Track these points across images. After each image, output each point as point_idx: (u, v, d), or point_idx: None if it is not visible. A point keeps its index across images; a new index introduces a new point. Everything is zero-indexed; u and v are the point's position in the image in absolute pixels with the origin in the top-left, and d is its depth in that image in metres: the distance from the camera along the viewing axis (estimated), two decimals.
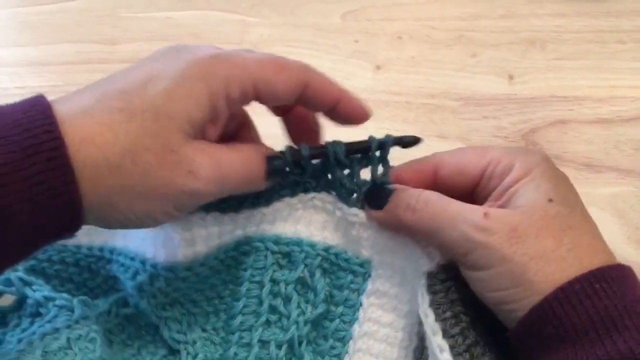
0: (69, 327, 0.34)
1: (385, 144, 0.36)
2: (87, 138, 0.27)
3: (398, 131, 0.56)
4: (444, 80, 0.58)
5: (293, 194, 0.37)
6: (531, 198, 0.31)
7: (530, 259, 0.30)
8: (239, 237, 0.38)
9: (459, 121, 0.55)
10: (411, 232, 0.34)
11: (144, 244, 0.37)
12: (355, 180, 0.36)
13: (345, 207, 0.37)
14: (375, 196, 0.35)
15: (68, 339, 0.33)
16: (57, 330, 0.34)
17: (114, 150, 0.28)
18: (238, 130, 0.36)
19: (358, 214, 0.36)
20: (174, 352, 0.37)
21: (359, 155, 0.36)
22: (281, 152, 0.36)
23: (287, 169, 0.36)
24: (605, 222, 0.49)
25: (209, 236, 0.36)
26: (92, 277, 0.40)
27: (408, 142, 0.37)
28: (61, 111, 0.28)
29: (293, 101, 0.34)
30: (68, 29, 0.66)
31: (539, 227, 0.30)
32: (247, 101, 0.33)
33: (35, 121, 0.26)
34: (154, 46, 0.67)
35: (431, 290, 0.33)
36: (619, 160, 0.52)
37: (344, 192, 0.37)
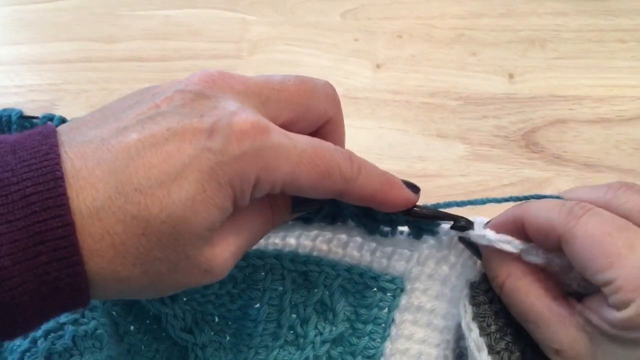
0: (75, 321, 0.32)
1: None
2: (95, 250, 0.24)
3: (398, 130, 0.57)
4: (444, 79, 0.58)
5: (306, 221, 0.36)
6: None
7: None
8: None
9: (459, 120, 0.55)
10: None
11: None
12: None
13: (366, 234, 0.36)
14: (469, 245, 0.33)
15: (73, 337, 0.32)
16: (62, 326, 0.32)
17: (124, 262, 0.25)
18: None
19: (379, 239, 0.35)
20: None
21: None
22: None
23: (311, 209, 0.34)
24: None
25: None
26: None
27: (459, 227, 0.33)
28: (73, 204, 0.24)
29: None
30: (66, 27, 0.66)
31: None
32: (275, 192, 0.29)
33: (46, 200, 0.24)
34: (152, 45, 0.67)
35: (474, 301, 0.31)
36: (619, 160, 0.52)
37: (372, 226, 0.35)
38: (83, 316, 0.33)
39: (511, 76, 0.58)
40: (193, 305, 0.36)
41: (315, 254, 0.37)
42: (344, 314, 0.36)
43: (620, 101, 0.55)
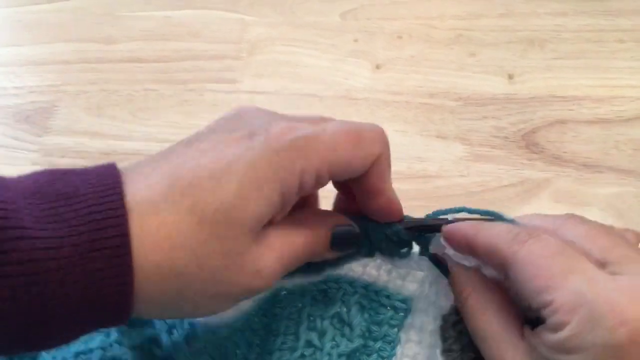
0: (103, 348, 0.34)
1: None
2: (153, 243, 0.26)
3: (398, 131, 0.57)
4: (443, 79, 0.58)
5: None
6: None
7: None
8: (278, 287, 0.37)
9: (459, 121, 0.55)
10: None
11: None
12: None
13: (389, 260, 0.36)
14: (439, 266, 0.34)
15: (101, 359, 0.33)
16: (91, 350, 0.33)
17: (180, 255, 0.26)
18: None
19: (395, 261, 0.36)
20: None
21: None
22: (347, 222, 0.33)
23: (353, 237, 0.34)
24: (604, 222, 0.49)
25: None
26: None
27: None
28: (131, 199, 0.26)
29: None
30: (66, 28, 0.66)
31: None
32: (321, 186, 0.30)
33: (107, 211, 0.25)
34: (152, 45, 0.67)
35: (443, 335, 0.31)
36: (619, 160, 0.52)
37: (387, 251, 0.36)
38: (111, 346, 0.34)
39: (511, 77, 0.58)
40: (220, 339, 0.37)
41: (335, 272, 0.37)
42: (360, 329, 0.37)
43: (620, 101, 0.55)
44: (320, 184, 0.30)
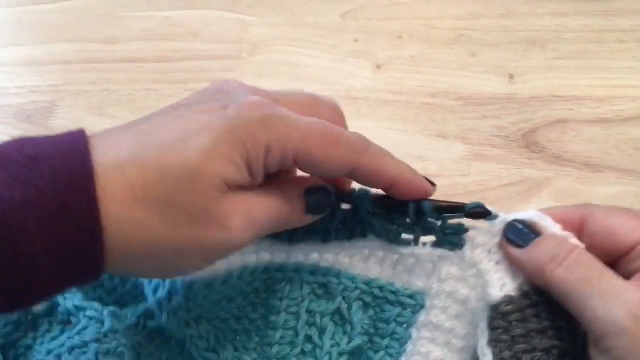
0: (97, 340, 0.34)
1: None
2: (117, 198, 0.26)
3: (398, 130, 0.57)
4: (444, 79, 0.58)
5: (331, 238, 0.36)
6: None
7: None
8: (267, 261, 0.37)
9: (459, 121, 0.55)
10: (549, 287, 0.30)
11: None
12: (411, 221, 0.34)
13: (388, 246, 0.35)
14: (517, 232, 0.32)
15: (96, 353, 0.33)
16: (85, 344, 0.34)
17: (143, 208, 0.27)
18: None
19: (415, 250, 0.35)
20: None
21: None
22: (324, 186, 0.33)
23: (327, 203, 0.33)
24: None
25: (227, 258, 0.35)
26: (122, 282, 0.39)
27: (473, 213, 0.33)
28: (98, 162, 0.27)
29: (337, 177, 0.32)
30: (67, 28, 0.66)
31: None
32: (285, 167, 0.31)
33: (73, 175, 0.26)
34: (152, 46, 0.67)
35: (491, 325, 0.30)
36: (619, 160, 0.52)
37: (392, 235, 0.35)
38: (106, 336, 0.34)
39: (511, 77, 0.58)
40: (216, 324, 0.37)
41: (336, 266, 0.37)
42: (362, 327, 0.36)
43: (621, 101, 0.55)
44: (285, 165, 0.30)
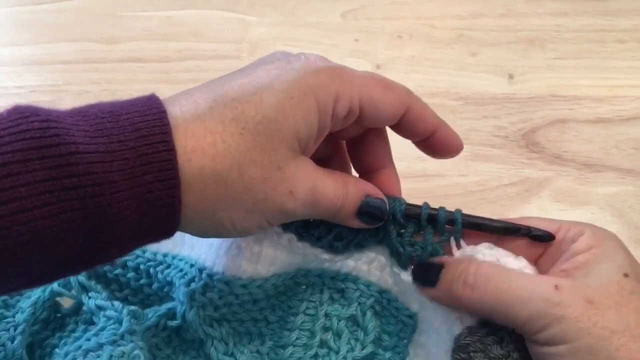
0: (113, 342, 0.34)
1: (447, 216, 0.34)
2: (198, 148, 0.27)
3: None
4: (443, 79, 0.58)
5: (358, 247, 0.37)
6: (605, 270, 0.29)
7: (612, 333, 0.28)
8: (298, 267, 0.37)
9: (459, 120, 0.55)
10: (472, 310, 0.32)
11: (209, 252, 0.36)
12: (403, 241, 0.34)
13: (394, 263, 0.36)
14: (425, 271, 0.33)
15: (110, 357, 0.33)
16: (101, 346, 0.34)
17: (223, 161, 0.28)
18: (330, 159, 0.36)
19: (402, 275, 0.35)
20: None
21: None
22: (388, 197, 0.34)
23: (381, 215, 0.33)
24: (605, 221, 0.49)
25: (274, 260, 0.36)
26: (148, 282, 0.39)
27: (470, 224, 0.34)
28: (175, 116, 0.28)
29: (392, 123, 0.33)
30: (67, 27, 0.66)
31: (617, 302, 0.28)
32: (351, 119, 0.32)
33: (152, 127, 0.27)
34: (153, 45, 0.67)
35: (453, 357, 0.31)
36: (619, 160, 0.52)
37: (394, 252, 0.35)
38: (122, 338, 0.34)
39: (511, 76, 0.58)
40: (235, 326, 0.37)
41: (354, 273, 0.37)
42: (374, 334, 0.36)
43: (620, 101, 0.55)
44: (352, 116, 0.31)
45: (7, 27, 0.67)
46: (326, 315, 0.37)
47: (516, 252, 0.32)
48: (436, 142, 0.34)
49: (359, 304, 0.37)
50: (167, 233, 0.28)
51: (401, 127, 0.34)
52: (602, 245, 0.31)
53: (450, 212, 0.34)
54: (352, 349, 0.37)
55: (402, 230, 0.34)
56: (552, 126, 0.54)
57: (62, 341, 0.36)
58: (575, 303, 0.28)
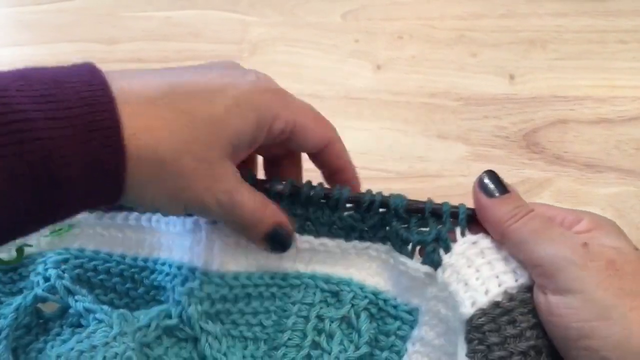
0: (105, 344, 0.34)
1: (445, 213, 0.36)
2: (147, 128, 0.29)
3: (399, 131, 0.57)
4: (444, 80, 0.58)
5: (347, 238, 0.38)
6: (617, 242, 0.31)
7: (627, 295, 0.29)
8: (288, 268, 0.38)
9: (460, 121, 0.55)
10: (504, 237, 0.33)
11: (191, 253, 0.38)
12: (410, 230, 0.36)
13: (397, 255, 0.37)
14: (492, 183, 0.35)
15: (104, 358, 0.33)
16: (94, 348, 0.34)
17: (165, 146, 0.30)
18: (282, 159, 0.39)
19: (409, 264, 0.36)
20: None
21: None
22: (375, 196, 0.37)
23: (284, 247, 0.36)
24: None
25: (258, 253, 0.37)
26: (134, 287, 0.40)
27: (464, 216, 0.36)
28: (123, 90, 0.29)
29: (313, 151, 0.37)
30: (67, 28, 0.66)
31: (635, 269, 0.30)
32: (281, 138, 0.35)
33: (98, 97, 0.28)
34: (153, 46, 0.67)
35: (468, 338, 0.32)
36: (620, 160, 0.52)
37: (399, 242, 0.36)
38: (115, 339, 0.35)
39: (512, 77, 0.58)
40: (229, 328, 0.37)
41: (347, 277, 0.38)
42: (369, 336, 0.37)
43: (621, 101, 0.55)
44: (282, 136, 0.35)
45: (7, 27, 0.67)
46: (318, 316, 0.38)
47: None
48: (335, 179, 0.38)
49: (353, 305, 0.37)
50: (113, 198, 0.30)
51: (316, 157, 0.38)
52: (603, 228, 0.32)
53: (454, 205, 0.36)
54: (344, 350, 0.37)
55: (406, 225, 0.36)
56: (553, 127, 0.54)
57: (49, 344, 0.36)
58: (599, 259, 0.30)
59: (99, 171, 0.28)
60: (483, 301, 0.32)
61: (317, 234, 0.38)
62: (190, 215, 0.38)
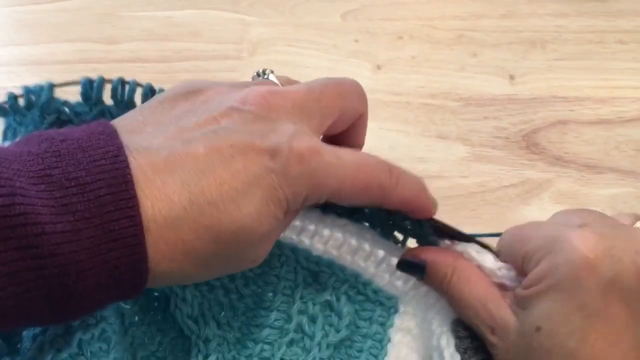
0: (82, 322, 0.32)
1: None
2: (169, 254, 0.27)
3: (399, 131, 0.57)
4: (444, 80, 0.58)
5: (324, 211, 0.36)
6: (531, 317, 0.30)
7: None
8: None
9: (459, 121, 0.55)
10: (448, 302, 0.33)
11: None
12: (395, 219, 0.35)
13: (378, 239, 0.36)
14: (411, 266, 0.34)
15: (80, 340, 0.32)
16: (69, 329, 0.32)
17: (193, 264, 0.28)
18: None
19: (388, 250, 0.35)
20: (185, 334, 0.36)
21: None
22: None
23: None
24: None
25: None
26: None
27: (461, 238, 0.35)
28: (146, 212, 0.27)
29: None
30: (66, 28, 0.66)
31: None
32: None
33: (119, 201, 0.26)
34: (153, 45, 0.67)
35: (457, 335, 0.32)
36: (620, 161, 0.52)
37: (385, 230, 0.36)
38: (93, 316, 0.33)
39: (512, 77, 0.58)
40: (202, 291, 0.36)
41: (326, 257, 0.36)
42: (349, 319, 0.36)
43: (621, 102, 0.55)
44: (319, 202, 0.32)
45: (6, 27, 0.67)
46: (301, 298, 0.36)
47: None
48: (412, 212, 0.35)
49: (334, 288, 0.36)
50: (131, 297, 0.29)
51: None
52: (542, 281, 0.30)
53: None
54: (326, 335, 0.36)
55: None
56: (553, 127, 0.54)
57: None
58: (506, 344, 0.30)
59: (118, 280, 0.27)
60: None
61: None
62: None
